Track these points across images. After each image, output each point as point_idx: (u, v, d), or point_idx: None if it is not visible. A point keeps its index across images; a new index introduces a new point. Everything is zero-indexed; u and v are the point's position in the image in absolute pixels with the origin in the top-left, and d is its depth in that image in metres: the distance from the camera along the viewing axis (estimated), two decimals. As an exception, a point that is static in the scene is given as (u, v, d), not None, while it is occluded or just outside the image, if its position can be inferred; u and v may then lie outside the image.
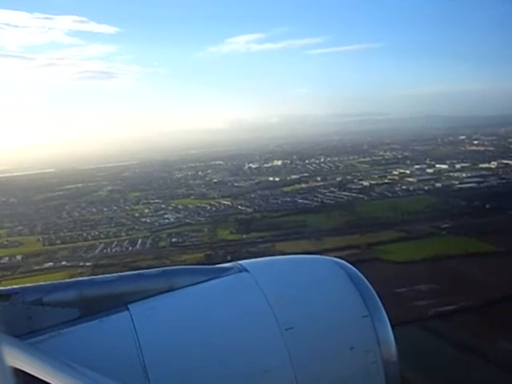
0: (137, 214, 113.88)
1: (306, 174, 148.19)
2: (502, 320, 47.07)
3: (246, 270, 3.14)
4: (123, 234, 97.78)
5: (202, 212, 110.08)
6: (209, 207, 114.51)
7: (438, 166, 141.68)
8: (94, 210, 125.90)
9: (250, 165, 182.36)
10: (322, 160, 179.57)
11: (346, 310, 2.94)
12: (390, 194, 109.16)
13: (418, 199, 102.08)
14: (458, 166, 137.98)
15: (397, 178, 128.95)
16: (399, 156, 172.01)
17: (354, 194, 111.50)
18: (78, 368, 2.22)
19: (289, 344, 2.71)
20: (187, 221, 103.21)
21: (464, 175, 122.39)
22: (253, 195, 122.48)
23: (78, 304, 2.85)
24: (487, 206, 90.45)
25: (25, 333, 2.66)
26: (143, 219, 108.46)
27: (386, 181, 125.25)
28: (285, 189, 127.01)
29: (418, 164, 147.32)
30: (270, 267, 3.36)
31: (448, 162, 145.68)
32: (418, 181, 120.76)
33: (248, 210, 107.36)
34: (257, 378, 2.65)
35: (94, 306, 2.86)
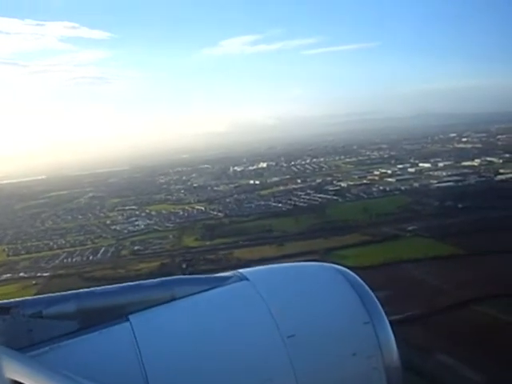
0: (108, 222, 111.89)
1: (287, 177, 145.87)
2: (444, 330, 44.57)
3: (247, 279, 3.09)
4: (89, 242, 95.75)
5: (173, 218, 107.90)
6: (181, 213, 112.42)
7: (421, 164, 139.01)
8: (69, 217, 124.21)
9: (235, 168, 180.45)
10: (308, 161, 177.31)
11: (348, 317, 2.92)
12: (365, 196, 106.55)
13: (392, 200, 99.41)
14: (440, 165, 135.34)
15: (376, 178, 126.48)
16: (385, 156, 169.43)
17: (328, 196, 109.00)
18: (78, 380, 2.25)
19: (291, 352, 2.70)
20: (156, 227, 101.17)
21: (444, 174, 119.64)
22: (228, 200, 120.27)
23: (77, 316, 2.80)
24: (459, 206, 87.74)
25: (25, 346, 2.63)
26: (113, 227, 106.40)
27: (365, 181, 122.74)
28: (262, 192, 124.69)
29: (401, 163, 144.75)
30: (271, 275, 3.30)
31: (432, 160, 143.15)
32: (397, 181, 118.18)
33: (219, 215, 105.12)
34: None
35: (93, 318, 2.80)
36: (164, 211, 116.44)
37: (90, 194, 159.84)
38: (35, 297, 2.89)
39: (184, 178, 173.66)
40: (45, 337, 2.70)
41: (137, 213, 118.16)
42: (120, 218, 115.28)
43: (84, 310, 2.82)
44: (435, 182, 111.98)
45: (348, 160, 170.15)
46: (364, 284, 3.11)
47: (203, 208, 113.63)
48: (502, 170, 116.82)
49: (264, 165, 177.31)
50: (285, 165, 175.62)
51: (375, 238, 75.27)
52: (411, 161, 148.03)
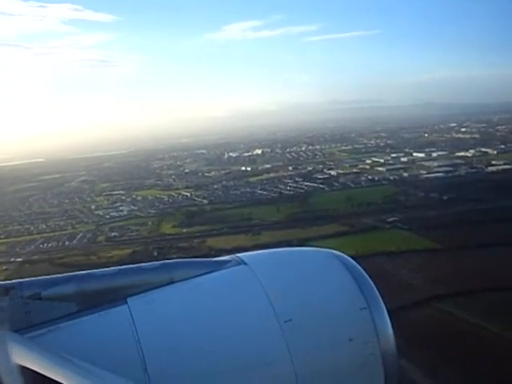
0: (93, 207, 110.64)
1: (279, 163, 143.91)
2: (401, 329, 42.80)
3: (244, 263, 3.08)
4: (69, 227, 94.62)
5: (158, 204, 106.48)
6: (167, 199, 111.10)
7: (415, 154, 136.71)
8: (56, 202, 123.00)
9: (231, 154, 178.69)
10: (304, 149, 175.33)
11: (345, 302, 2.91)
12: (353, 185, 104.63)
13: (378, 190, 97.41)
14: (434, 155, 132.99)
15: (367, 167, 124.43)
16: (382, 144, 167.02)
17: (315, 185, 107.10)
18: (76, 362, 2.28)
19: (287, 336, 2.71)
20: (138, 213, 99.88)
21: (436, 164, 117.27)
22: (216, 186, 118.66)
23: (76, 298, 2.80)
24: (444, 198, 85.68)
25: (23, 327, 2.64)
26: (97, 212, 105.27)
27: (355, 170, 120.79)
28: (251, 179, 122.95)
29: (396, 152, 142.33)
30: (268, 260, 3.26)
31: (427, 150, 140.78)
32: (387, 170, 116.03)
33: (204, 201, 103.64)
34: (256, 370, 2.67)
35: (92, 300, 2.80)
36: (150, 197, 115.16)
37: (82, 178, 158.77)
38: (34, 278, 2.85)
39: (178, 163, 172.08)
40: (43, 318, 2.69)
41: (123, 198, 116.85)
42: (106, 202, 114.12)
43: (83, 292, 2.80)
44: (425, 172, 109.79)
45: (344, 148, 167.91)
46: (361, 270, 3.06)
47: (189, 194, 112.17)
48: (494, 162, 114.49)
49: (259, 151, 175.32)
50: (280, 151, 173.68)
51: (353, 228, 73.60)
52: (406, 150, 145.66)
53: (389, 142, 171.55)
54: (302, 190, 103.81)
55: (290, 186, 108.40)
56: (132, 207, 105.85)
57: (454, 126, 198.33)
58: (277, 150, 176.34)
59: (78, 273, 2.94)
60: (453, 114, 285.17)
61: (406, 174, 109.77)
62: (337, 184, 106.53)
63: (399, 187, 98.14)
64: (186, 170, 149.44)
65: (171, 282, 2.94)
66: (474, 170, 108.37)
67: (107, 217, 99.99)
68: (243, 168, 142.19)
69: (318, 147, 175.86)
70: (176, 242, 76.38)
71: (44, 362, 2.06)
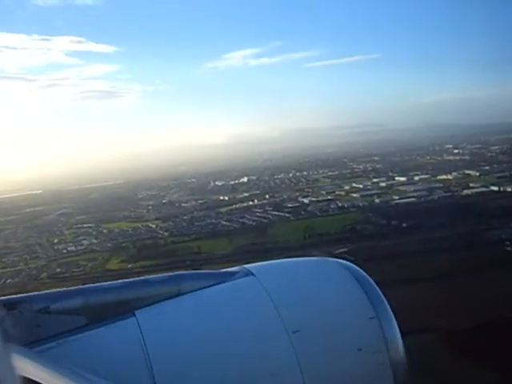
0: (56, 241, 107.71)
1: (257, 192, 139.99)
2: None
3: (252, 274, 3.08)
4: (21, 263, 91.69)
5: (119, 237, 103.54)
6: (131, 231, 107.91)
7: (397, 178, 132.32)
8: (24, 236, 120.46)
9: (216, 182, 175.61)
10: (291, 175, 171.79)
11: (353, 312, 2.90)
12: (319, 213, 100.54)
13: (342, 218, 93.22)
14: (416, 178, 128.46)
15: (343, 193, 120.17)
16: (369, 169, 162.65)
17: (282, 214, 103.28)
18: (85, 375, 2.28)
19: (296, 347, 2.69)
20: (95, 248, 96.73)
21: (412, 189, 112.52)
22: (185, 217, 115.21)
23: (84, 311, 2.81)
24: (403, 225, 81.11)
25: (32, 341, 2.65)
26: (57, 246, 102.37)
27: (329, 197, 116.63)
28: (223, 209, 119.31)
29: (379, 177, 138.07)
30: (276, 270, 3.29)
31: (411, 173, 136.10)
32: (361, 196, 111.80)
33: (165, 234, 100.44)
34: (265, 381, 2.66)
35: (100, 313, 2.81)
36: (117, 229, 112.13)
37: (62, 211, 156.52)
38: (43, 292, 2.87)
39: (162, 193, 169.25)
40: (52, 332, 2.69)
41: (90, 231, 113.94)
42: (70, 236, 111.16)
43: (91, 305, 2.81)
44: (397, 198, 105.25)
45: (330, 173, 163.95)
46: (370, 279, 3.03)
47: (154, 226, 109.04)
48: (472, 184, 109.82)
49: (245, 179, 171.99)
50: (266, 179, 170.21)
51: (296, 262, 69.23)
52: (390, 174, 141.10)
53: (377, 166, 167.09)
54: (266, 220, 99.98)
55: (256, 216, 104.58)
56: (93, 241, 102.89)
57: (448, 148, 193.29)
58: (264, 178, 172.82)
59: (86, 286, 2.89)
60: (455, 135, 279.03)
61: (377, 200, 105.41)
62: (303, 213, 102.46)
63: (364, 214, 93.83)
64: (164, 201, 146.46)
65: (179, 294, 2.90)
66: (449, 194, 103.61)
67: (64, 251, 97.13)
68: (221, 197, 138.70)
69: (305, 173, 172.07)
70: (113, 278, 72.55)
71: (53, 376, 2.08)
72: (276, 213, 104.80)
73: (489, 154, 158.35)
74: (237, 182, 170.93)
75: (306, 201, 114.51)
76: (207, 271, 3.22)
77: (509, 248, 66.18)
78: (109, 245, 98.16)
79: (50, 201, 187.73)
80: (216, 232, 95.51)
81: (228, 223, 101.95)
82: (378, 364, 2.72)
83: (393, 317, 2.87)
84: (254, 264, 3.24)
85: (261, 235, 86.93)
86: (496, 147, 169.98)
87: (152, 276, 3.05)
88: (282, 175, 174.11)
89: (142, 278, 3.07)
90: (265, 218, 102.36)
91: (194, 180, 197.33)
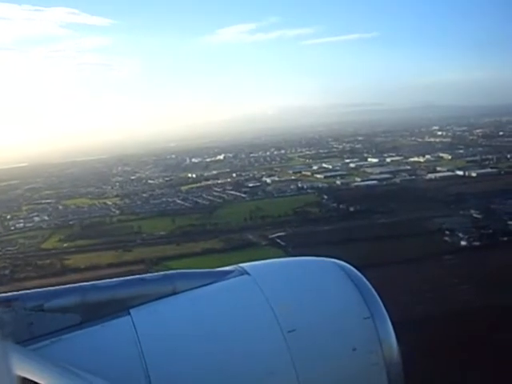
0: (9, 216, 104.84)
1: (227, 170, 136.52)
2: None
3: (247, 273, 3.07)
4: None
5: (72, 214, 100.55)
6: (85, 208, 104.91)
7: (369, 159, 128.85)
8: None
9: (193, 159, 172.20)
10: (269, 153, 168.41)
11: (348, 312, 2.90)
12: (275, 194, 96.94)
13: (296, 200, 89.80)
14: (388, 160, 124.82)
15: (309, 173, 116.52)
16: (347, 149, 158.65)
17: (238, 194, 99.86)
18: (79, 373, 2.29)
19: (291, 346, 2.70)
20: (42, 225, 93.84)
21: (378, 171, 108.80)
22: (145, 195, 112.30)
23: (79, 309, 2.78)
24: (351, 210, 77.62)
25: (26, 339, 2.64)
26: (7, 222, 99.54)
27: (293, 177, 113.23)
28: (185, 187, 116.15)
29: (350, 158, 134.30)
30: (271, 269, 3.27)
31: (386, 155, 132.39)
32: (325, 177, 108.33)
33: (116, 212, 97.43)
34: (260, 380, 2.66)
35: (95, 312, 2.78)
36: (73, 206, 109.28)
37: (32, 185, 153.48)
38: (36, 290, 2.84)
39: (135, 169, 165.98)
40: (46, 330, 2.67)
41: (47, 207, 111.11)
42: (25, 213, 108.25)
43: (85, 303, 2.79)
44: (359, 180, 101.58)
45: (307, 153, 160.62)
46: (364, 279, 3.03)
47: (110, 203, 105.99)
48: (439, 168, 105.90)
49: (221, 157, 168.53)
50: (243, 156, 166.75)
51: (227, 245, 66.23)
52: (365, 155, 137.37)
53: (357, 146, 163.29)
54: (219, 200, 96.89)
55: (213, 196, 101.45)
56: (45, 218, 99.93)
57: (433, 130, 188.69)
58: (240, 156, 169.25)
59: (80, 284, 2.86)
60: (449, 116, 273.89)
61: (338, 182, 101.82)
62: (260, 193, 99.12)
63: (319, 196, 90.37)
64: (133, 177, 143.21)
65: (174, 293, 2.88)
66: (412, 178, 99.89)
67: (12, 228, 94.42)
68: (189, 175, 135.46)
69: (283, 152, 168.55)
70: (41, 258, 70.08)
71: (47, 374, 2.08)
72: (233, 192, 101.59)
73: (470, 137, 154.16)
74: (213, 159, 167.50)
75: (268, 180, 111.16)
76: (202, 270, 3.10)
77: (446, 238, 62.72)
78: (57, 222, 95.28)
79: (27, 175, 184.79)
80: (165, 211, 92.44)
81: (182, 202, 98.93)
82: (373, 364, 2.71)
83: (387, 317, 2.82)
84: (249, 263, 3.15)
85: (206, 216, 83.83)
86: (479, 130, 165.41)
87: (147, 275, 2.97)
88: (260, 153, 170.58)
89: (138, 276, 2.96)
90: (220, 197, 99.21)
91: (173, 156, 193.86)
